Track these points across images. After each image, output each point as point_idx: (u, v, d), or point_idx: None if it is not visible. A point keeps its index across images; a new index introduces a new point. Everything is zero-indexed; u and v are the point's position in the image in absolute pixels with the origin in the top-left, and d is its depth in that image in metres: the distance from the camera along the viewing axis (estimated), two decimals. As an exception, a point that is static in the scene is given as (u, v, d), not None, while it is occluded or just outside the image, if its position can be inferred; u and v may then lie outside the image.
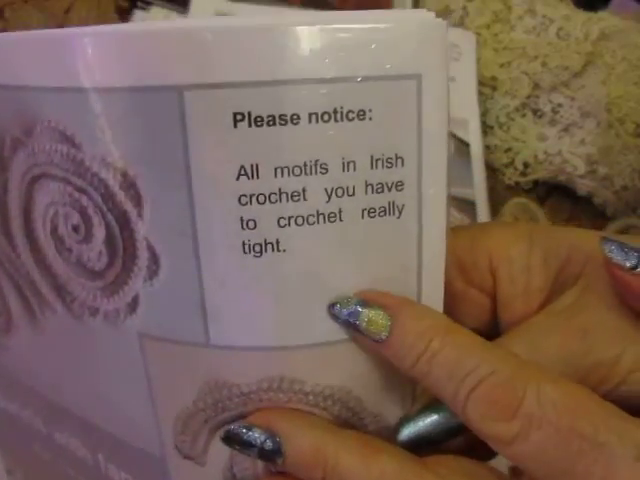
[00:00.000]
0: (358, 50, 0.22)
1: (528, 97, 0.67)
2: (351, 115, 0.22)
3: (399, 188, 0.23)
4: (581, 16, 0.69)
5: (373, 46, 0.22)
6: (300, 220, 0.23)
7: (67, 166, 0.25)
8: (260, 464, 0.26)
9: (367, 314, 0.24)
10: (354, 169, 0.23)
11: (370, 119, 0.22)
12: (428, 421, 0.26)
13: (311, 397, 0.25)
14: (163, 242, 0.24)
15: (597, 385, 0.25)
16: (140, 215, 0.24)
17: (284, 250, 0.23)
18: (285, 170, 0.22)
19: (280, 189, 0.22)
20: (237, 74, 0.21)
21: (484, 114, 0.67)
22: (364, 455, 0.23)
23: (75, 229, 0.26)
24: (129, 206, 0.24)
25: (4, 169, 0.27)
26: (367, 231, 0.24)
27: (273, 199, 0.22)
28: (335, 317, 0.24)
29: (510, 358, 0.23)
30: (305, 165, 0.22)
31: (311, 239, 0.23)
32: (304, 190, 0.23)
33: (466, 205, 0.61)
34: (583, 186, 0.65)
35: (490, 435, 0.22)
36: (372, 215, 0.23)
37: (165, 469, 0.28)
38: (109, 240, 0.25)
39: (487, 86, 0.67)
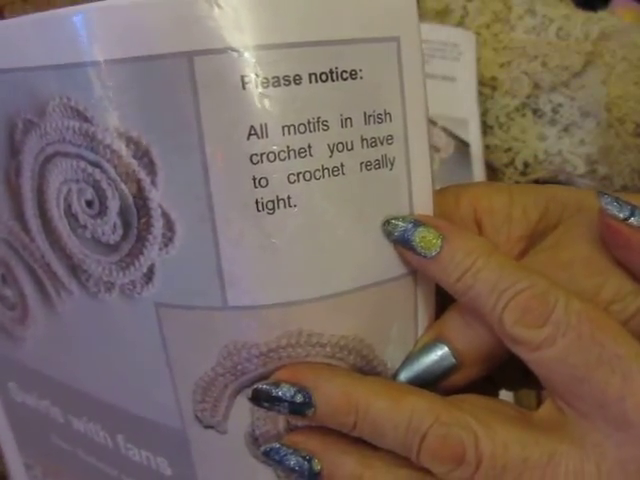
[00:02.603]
0: (347, 14, 0.24)
1: (528, 97, 0.67)
2: (345, 75, 0.24)
3: (389, 142, 0.25)
4: (581, 16, 0.69)
5: (359, 11, 0.24)
6: (308, 175, 0.24)
7: (80, 141, 0.25)
8: (281, 425, 0.27)
9: (420, 232, 0.26)
10: (351, 125, 0.24)
11: (361, 78, 0.24)
12: (424, 361, 0.27)
13: (328, 349, 0.26)
14: (178, 208, 0.24)
15: None
16: (154, 183, 0.24)
17: (295, 205, 0.24)
18: (292, 128, 0.24)
19: (288, 147, 0.24)
20: (243, 39, 0.23)
21: (484, 114, 0.67)
22: (393, 397, 0.25)
23: (89, 204, 0.26)
24: (143, 175, 0.24)
25: (16, 153, 0.28)
26: (365, 184, 0.25)
27: (282, 156, 0.24)
28: (389, 234, 0.26)
29: (544, 277, 0.25)
30: (309, 123, 0.24)
31: (318, 193, 0.24)
32: (309, 146, 0.24)
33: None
34: (583, 186, 0.66)
35: (521, 340, 0.24)
36: (369, 168, 0.25)
37: (186, 441, 0.29)
38: (123, 211, 0.25)
39: (487, 86, 0.68)
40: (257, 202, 0.24)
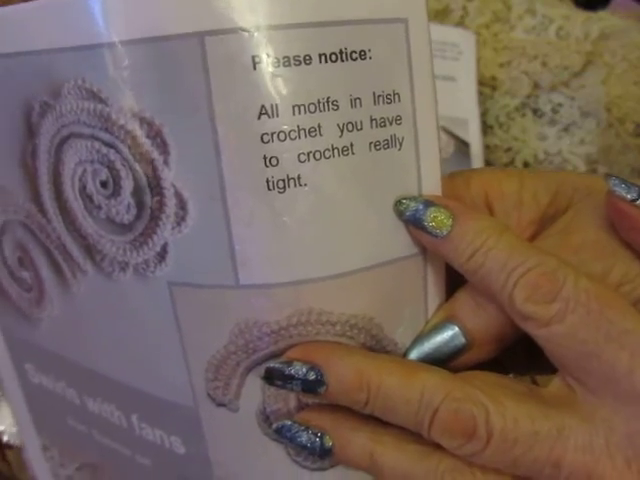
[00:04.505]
0: None
1: (528, 97, 0.68)
2: (354, 55, 0.24)
3: (398, 122, 0.26)
4: (581, 16, 0.69)
5: None
6: (318, 155, 0.24)
7: (94, 122, 0.26)
8: (292, 403, 0.27)
9: (432, 211, 0.26)
10: (360, 105, 0.25)
11: (370, 58, 0.25)
12: (435, 341, 0.27)
13: (338, 327, 0.26)
14: (190, 187, 0.25)
15: None
16: (166, 163, 0.25)
17: (305, 184, 0.24)
18: (302, 108, 0.24)
19: (298, 126, 0.24)
20: (254, 20, 0.23)
21: (484, 114, 0.67)
22: (404, 374, 0.25)
23: (103, 185, 0.27)
24: (156, 154, 0.25)
25: (33, 135, 0.28)
26: (375, 163, 0.25)
27: (293, 136, 0.24)
28: (400, 214, 0.26)
29: (553, 256, 0.25)
30: (319, 102, 0.24)
31: (329, 173, 0.25)
32: (319, 126, 0.24)
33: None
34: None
35: (531, 315, 0.25)
36: (378, 148, 0.25)
37: (198, 419, 0.29)
38: (137, 191, 0.26)
39: (487, 86, 0.68)
40: (268, 181, 0.24)
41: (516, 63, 0.68)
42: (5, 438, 0.50)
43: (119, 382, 0.31)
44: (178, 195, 0.25)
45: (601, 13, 0.71)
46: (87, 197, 0.27)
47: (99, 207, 0.27)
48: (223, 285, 0.26)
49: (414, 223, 0.26)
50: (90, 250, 0.28)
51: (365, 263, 0.26)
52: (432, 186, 0.27)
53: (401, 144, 0.26)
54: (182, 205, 0.25)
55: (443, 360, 0.27)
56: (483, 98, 0.68)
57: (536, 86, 0.68)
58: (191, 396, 0.28)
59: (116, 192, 0.26)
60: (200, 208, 0.25)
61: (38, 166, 0.29)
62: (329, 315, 0.26)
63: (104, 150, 0.26)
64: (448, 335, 0.27)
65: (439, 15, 0.69)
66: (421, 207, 0.26)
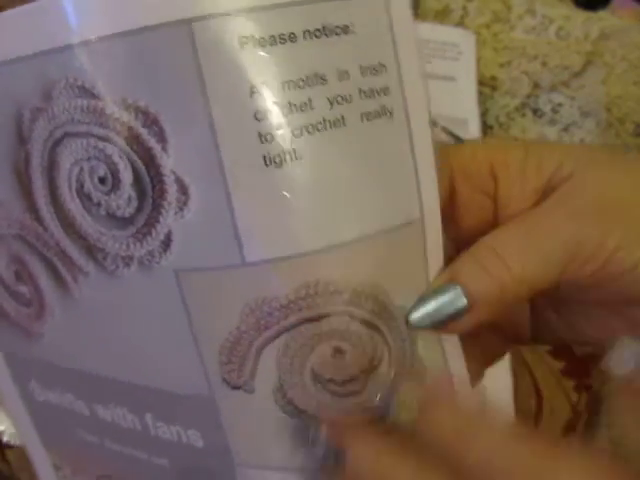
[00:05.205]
0: None
1: (528, 97, 0.68)
2: (338, 30, 0.25)
3: (386, 92, 0.27)
4: (581, 16, 0.71)
5: None
6: (311, 128, 0.25)
7: (88, 119, 0.26)
8: (308, 376, 0.28)
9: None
10: (348, 78, 0.26)
11: (354, 32, 0.26)
12: (436, 302, 0.28)
13: (346, 296, 0.27)
14: (190, 172, 0.25)
15: (584, 264, 0.28)
16: (165, 150, 0.25)
17: (301, 158, 0.25)
18: (291, 84, 0.25)
19: (289, 102, 0.25)
20: (238, 3, 0.24)
21: (484, 114, 0.68)
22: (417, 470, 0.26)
23: (102, 181, 0.27)
24: (153, 143, 0.25)
25: (24, 142, 0.28)
26: (367, 134, 0.26)
27: (284, 112, 0.25)
28: None
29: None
30: (307, 78, 0.25)
31: (323, 145, 0.25)
32: (310, 100, 0.25)
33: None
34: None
35: None
36: (370, 118, 0.26)
37: (215, 407, 0.29)
38: (137, 181, 0.26)
39: (487, 86, 0.69)
40: (264, 157, 0.25)
41: (516, 63, 0.68)
42: (5, 438, 0.50)
43: (129, 383, 0.31)
44: (179, 181, 0.26)
45: (601, 13, 0.73)
46: (85, 196, 0.28)
47: (98, 204, 0.27)
48: (230, 265, 0.26)
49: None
50: (91, 250, 0.29)
51: (366, 232, 0.26)
52: (425, 152, 0.28)
53: (391, 113, 0.27)
54: (183, 190, 0.26)
55: (443, 321, 0.28)
56: (483, 98, 0.69)
57: (536, 86, 0.68)
58: (205, 384, 0.29)
59: (115, 186, 0.27)
60: (201, 191, 0.26)
61: (31, 173, 0.29)
62: (336, 284, 0.26)
63: (100, 145, 0.26)
64: (449, 296, 0.28)
65: (439, 15, 0.71)
66: None
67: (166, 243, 0.27)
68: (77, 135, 0.27)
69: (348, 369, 0.27)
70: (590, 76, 0.68)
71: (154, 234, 0.27)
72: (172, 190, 0.26)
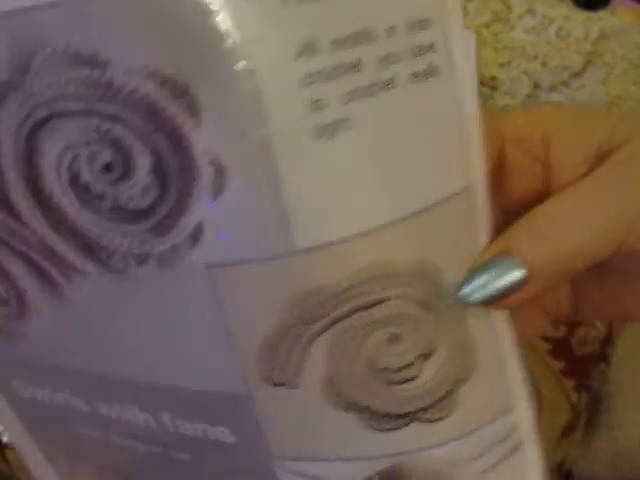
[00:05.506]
0: None
1: (528, 97, 0.68)
2: None
3: (433, 50, 0.24)
4: (581, 16, 0.70)
5: None
6: (362, 92, 0.22)
7: (89, 94, 0.21)
8: (361, 370, 0.25)
9: None
10: (396, 35, 0.23)
11: None
12: (488, 274, 0.26)
13: (403, 277, 0.24)
14: (228, 150, 0.22)
15: None
16: (198, 125, 0.21)
17: (353, 127, 0.22)
18: (340, 42, 0.21)
19: (340, 63, 0.22)
20: None
21: (484, 114, 0.67)
22: None
23: (107, 168, 0.22)
24: (183, 117, 0.21)
25: (-12, 126, 0.23)
26: (417, 96, 0.24)
27: (335, 74, 0.22)
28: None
29: None
30: (356, 34, 0.22)
31: (375, 111, 0.22)
32: (360, 61, 0.22)
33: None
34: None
35: None
36: (419, 78, 0.23)
37: (250, 404, 0.26)
38: (158, 167, 0.22)
39: (487, 86, 0.67)
40: (316, 127, 0.21)
41: (516, 63, 0.67)
42: (5, 438, 0.47)
43: (141, 383, 0.28)
44: (214, 162, 0.22)
45: (601, 13, 0.72)
46: (82, 189, 0.23)
47: (101, 196, 0.23)
48: (275, 255, 0.23)
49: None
50: (91, 248, 0.24)
51: (421, 204, 0.24)
52: (473, 115, 0.25)
53: (439, 73, 0.24)
54: (220, 173, 0.22)
55: (496, 296, 0.26)
56: (483, 98, 0.67)
57: (536, 86, 0.68)
58: (240, 381, 0.26)
59: (126, 174, 0.22)
60: (241, 173, 0.22)
61: (1, 164, 0.23)
62: (392, 266, 0.24)
63: (105, 126, 0.22)
64: (504, 268, 0.26)
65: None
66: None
67: (196, 236, 0.23)
68: (70, 115, 0.22)
69: (404, 355, 0.25)
70: (590, 76, 0.68)
71: (180, 227, 0.23)
72: (205, 174, 0.22)
